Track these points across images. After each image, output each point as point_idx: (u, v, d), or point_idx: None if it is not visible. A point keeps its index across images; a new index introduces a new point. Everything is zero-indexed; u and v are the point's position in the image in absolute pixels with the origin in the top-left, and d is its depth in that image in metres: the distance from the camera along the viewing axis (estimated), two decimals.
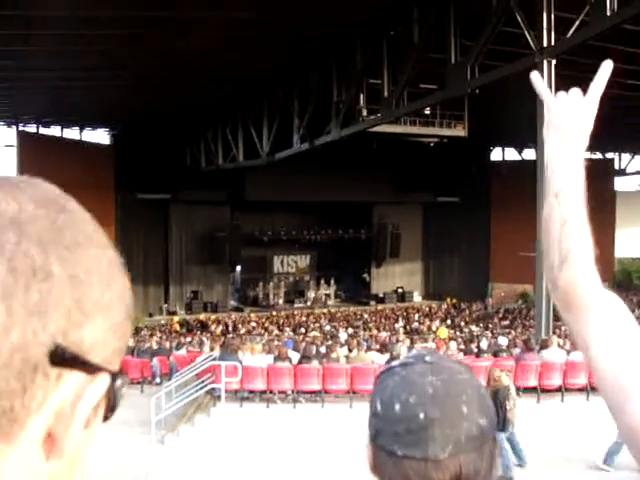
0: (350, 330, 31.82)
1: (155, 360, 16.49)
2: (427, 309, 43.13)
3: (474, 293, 45.67)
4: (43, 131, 37.56)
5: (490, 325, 34.92)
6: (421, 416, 1.00)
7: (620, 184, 47.53)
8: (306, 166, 35.07)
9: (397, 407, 1.03)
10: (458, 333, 29.92)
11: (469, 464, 1.01)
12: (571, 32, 15.16)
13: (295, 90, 25.20)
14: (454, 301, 45.13)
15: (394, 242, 46.57)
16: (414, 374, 1.06)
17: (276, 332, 32.74)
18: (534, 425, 10.59)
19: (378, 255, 46.95)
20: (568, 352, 13.96)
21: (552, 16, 15.06)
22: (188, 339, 26.72)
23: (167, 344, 21.55)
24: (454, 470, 1.00)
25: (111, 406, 0.57)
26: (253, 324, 36.67)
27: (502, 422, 9.22)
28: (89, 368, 0.52)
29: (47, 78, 24.37)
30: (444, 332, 28.39)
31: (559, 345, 14.64)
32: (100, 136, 41.31)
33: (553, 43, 15.19)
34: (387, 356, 14.22)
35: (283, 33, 20.28)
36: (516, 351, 15.18)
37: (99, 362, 0.52)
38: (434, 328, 31.79)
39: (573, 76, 22.56)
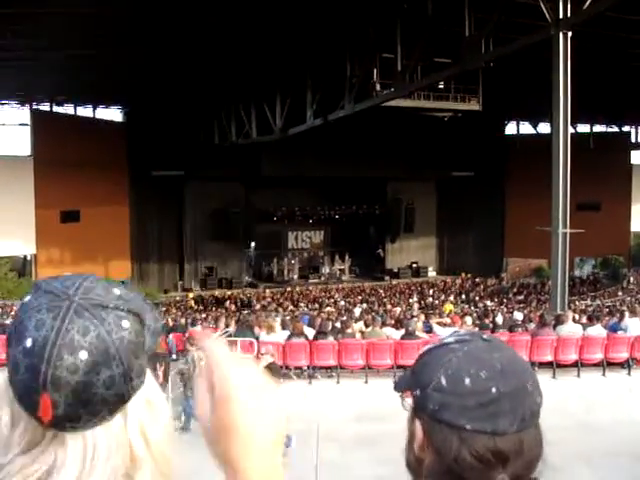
0: (365, 305, 31.90)
1: (171, 337, 16.54)
2: (442, 284, 43.16)
3: (489, 268, 45.65)
4: (56, 109, 37.56)
5: (505, 300, 34.95)
6: (493, 390, 1.03)
7: (637, 157, 47.14)
8: (320, 142, 34.98)
9: (467, 381, 1.05)
10: (473, 308, 29.94)
11: (530, 439, 1.06)
12: (587, 4, 14.97)
13: (308, 65, 25.07)
14: (469, 276, 45.12)
15: (408, 217, 46.49)
16: (478, 350, 1.08)
17: (291, 308, 32.88)
18: (550, 400, 10.58)
19: (392, 230, 46.90)
20: (584, 327, 13.94)
21: None
22: (203, 315, 26.88)
23: (182, 320, 21.64)
24: (519, 444, 1.04)
25: None
26: (268, 300, 36.83)
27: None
28: None
29: (59, 56, 24.33)
30: (449, 307, 28.41)
31: (575, 320, 14.60)
32: (113, 114, 41.37)
33: (569, 14, 15.02)
34: (402, 332, 14.22)
35: (296, 8, 20.12)
36: (531, 326, 15.16)
37: None
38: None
39: (589, 49, 22.40)
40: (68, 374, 0.87)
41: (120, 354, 0.90)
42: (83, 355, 0.88)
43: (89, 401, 0.89)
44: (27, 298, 0.94)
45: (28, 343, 0.88)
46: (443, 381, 1.06)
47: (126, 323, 0.92)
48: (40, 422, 0.90)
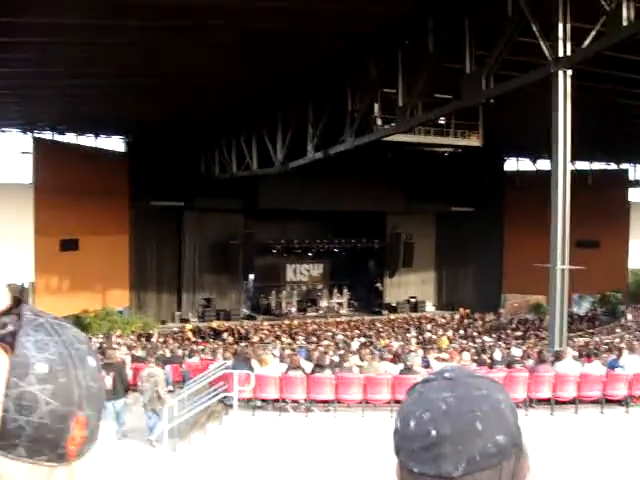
0: (362, 339, 31.78)
1: (167, 368, 16.48)
2: (440, 319, 43.01)
3: (487, 303, 45.55)
4: (58, 138, 37.68)
5: (503, 336, 34.81)
6: (433, 433, 0.99)
7: (634, 195, 47.33)
8: (320, 175, 35.08)
9: (412, 424, 1.02)
10: (471, 344, 29.82)
11: None
12: (587, 42, 15.11)
13: (310, 99, 25.21)
14: (467, 311, 45.01)
15: (407, 252, 46.50)
16: (431, 391, 1.05)
17: (288, 341, 32.74)
18: (547, 437, 10.53)
19: (391, 264, 46.89)
20: (583, 364, 13.91)
21: (568, 26, 15.01)
22: (200, 347, 26.75)
23: (179, 352, 21.56)
24: None
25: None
26: (265, 332, 36.70)
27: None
28: None
29: (63, 86, 24.49)
30: (445, 342, 28.30)
31: (574, 357, 14.56)
32: (115, 144, 41.48)
33: (569, 53, 15.15)
34: (400, 366, 14.18)
35: (298, 43, 20.31)
36: (529, 362, 15.11)
37: None
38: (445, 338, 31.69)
39: (588, 87, 22.60)
40: (92, 381, 0.83)
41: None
42: (92, 362, 0.84)
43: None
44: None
45: (42, 369, 0.79)
46: (398, 424, 1.05)
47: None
48: (62, 458, 0.79)
